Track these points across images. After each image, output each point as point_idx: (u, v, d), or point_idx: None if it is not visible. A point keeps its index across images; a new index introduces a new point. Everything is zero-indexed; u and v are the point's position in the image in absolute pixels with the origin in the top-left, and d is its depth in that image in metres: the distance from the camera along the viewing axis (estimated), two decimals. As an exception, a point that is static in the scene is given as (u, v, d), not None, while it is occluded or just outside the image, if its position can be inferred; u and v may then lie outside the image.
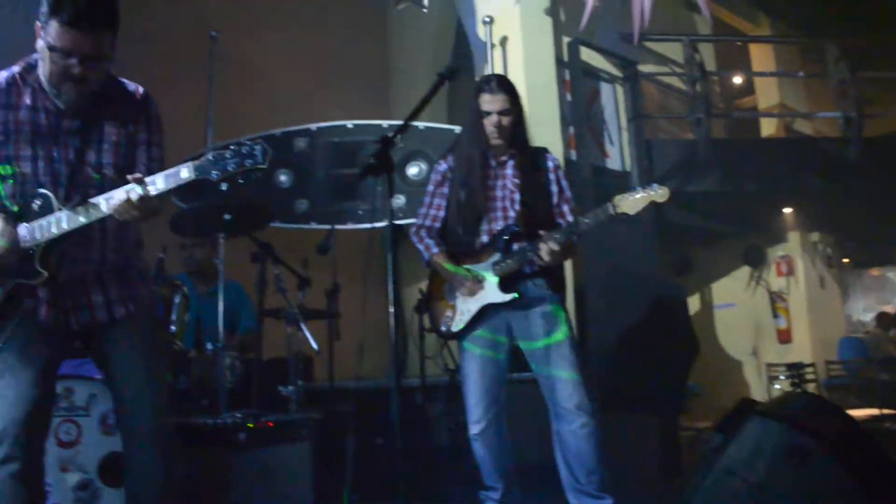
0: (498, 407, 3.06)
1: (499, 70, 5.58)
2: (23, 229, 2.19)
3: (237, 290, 4.39)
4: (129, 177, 2.13)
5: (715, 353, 9.31)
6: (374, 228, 5.23)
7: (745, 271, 9.67)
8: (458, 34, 6.50)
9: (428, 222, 3.24)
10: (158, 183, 2.13)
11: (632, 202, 2.87)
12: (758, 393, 8.93)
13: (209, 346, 3.65)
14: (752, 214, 8.60)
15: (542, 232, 3.00)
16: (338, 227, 4.74)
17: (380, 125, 5.50)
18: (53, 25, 2.10)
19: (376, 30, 7.15)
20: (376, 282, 6.56)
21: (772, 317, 9.48)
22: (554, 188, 3.17)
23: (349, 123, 5.54)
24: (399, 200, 5.37)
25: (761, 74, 9.63)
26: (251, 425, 3.18)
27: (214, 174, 2.10)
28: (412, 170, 5.48)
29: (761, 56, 9.72)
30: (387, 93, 7.05)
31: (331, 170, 5.59)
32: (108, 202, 2.15)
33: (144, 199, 2.11)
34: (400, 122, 2.54)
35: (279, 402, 3.66)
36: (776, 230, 9.29)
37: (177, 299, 3.43)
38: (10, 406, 2.15)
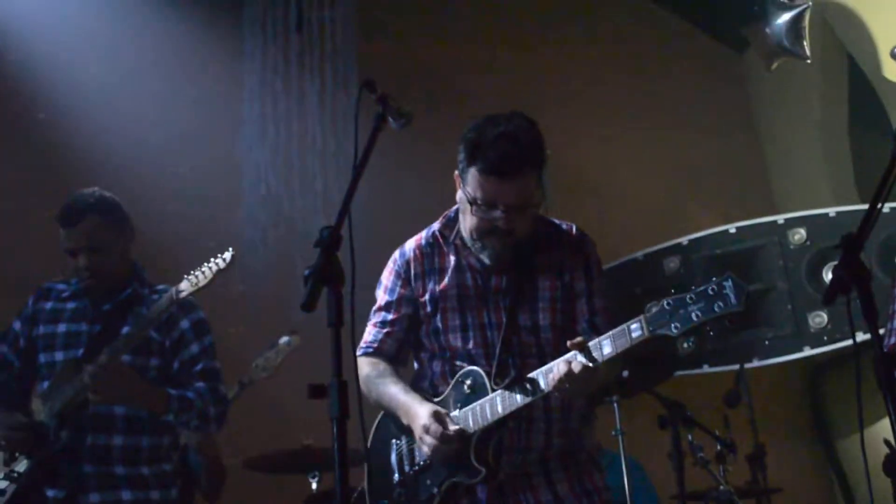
0: None
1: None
2: (454, 416, 2.08)
3: (632, 466, 3.63)
4: (568, 343, 1.94)
5: None
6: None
7: None
8: (852, 80, 5.37)
9: None
10: (605, 347, 1.93)
11: None
12: None
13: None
14: None
15: None
16: (745, 365, 4.12)
17: (773, 222, 4.61)
18: (473, 174, 2.06)
19: (737, 110, 6.13)
20: (804, 436, 5.43)
21: None
22: None
23: (731, 228, 4.75)
24: (820, 319, 4.28)
25: None
26: None
27: (675, 327, 1.85)
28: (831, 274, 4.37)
29: None
30: (766, 182, 5.99)
31: (719, 291, 4.73)
32: (546, 377, 1.98)
33: (590, 368, 1.89)
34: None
35: None
36: None
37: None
38: None
